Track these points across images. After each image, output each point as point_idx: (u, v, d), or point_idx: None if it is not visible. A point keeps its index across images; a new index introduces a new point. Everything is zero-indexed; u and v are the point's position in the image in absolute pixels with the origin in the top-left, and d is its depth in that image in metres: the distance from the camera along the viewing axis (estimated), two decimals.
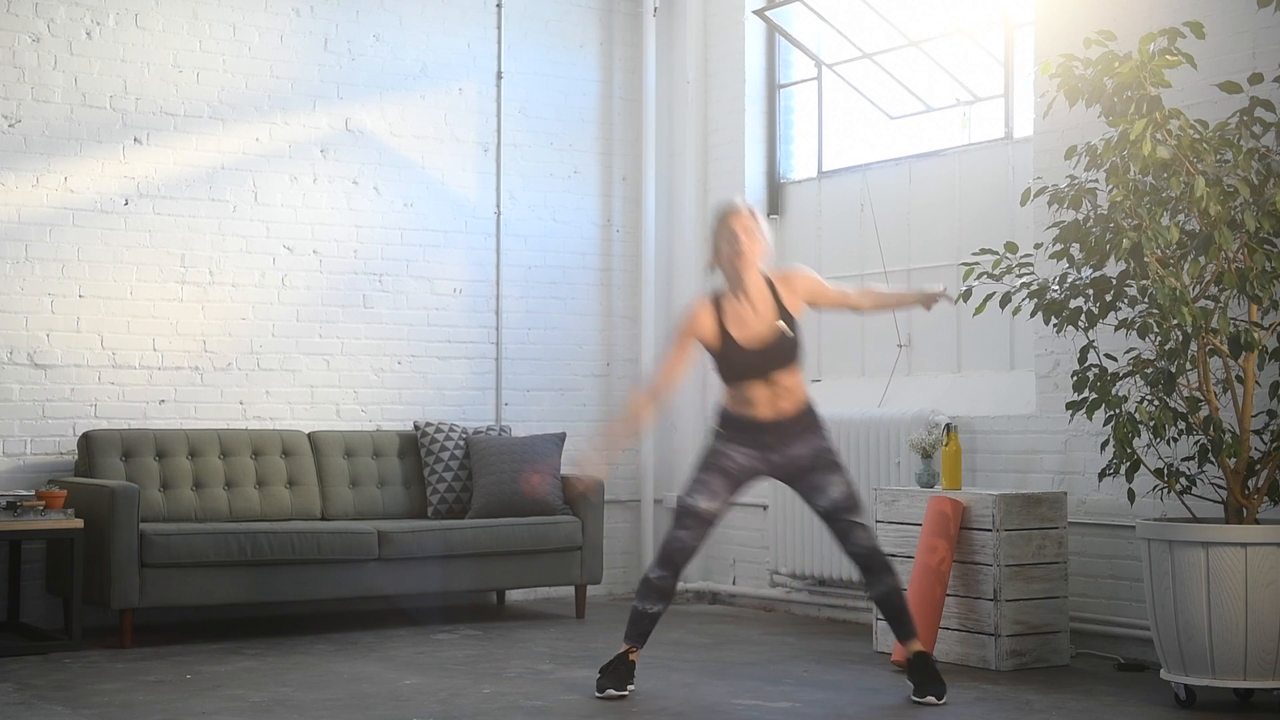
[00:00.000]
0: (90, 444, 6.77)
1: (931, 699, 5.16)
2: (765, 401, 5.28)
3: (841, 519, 5.28)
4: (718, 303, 5.32)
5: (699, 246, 8.26)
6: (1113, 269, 5.44)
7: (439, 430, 7.47)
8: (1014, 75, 7.00)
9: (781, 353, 5.25)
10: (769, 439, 5.29)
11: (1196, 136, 5.09)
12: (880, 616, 5.35)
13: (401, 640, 6.54)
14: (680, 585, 8.04)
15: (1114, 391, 5.30)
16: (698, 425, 8.18)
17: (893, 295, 5.75)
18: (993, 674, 5.75)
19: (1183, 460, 5.44)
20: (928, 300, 5.53)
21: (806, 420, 5.33)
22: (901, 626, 5.30)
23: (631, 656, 5.34)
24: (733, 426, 5.33)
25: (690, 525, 5.30)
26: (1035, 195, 5.48)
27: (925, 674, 5.22)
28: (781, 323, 5.25)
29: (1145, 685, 5.51)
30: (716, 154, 8.29)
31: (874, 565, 5.29)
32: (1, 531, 6.21)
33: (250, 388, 7.38)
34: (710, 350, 5.33)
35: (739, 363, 5.27)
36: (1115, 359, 5.46)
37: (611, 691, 5.25)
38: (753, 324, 5.27)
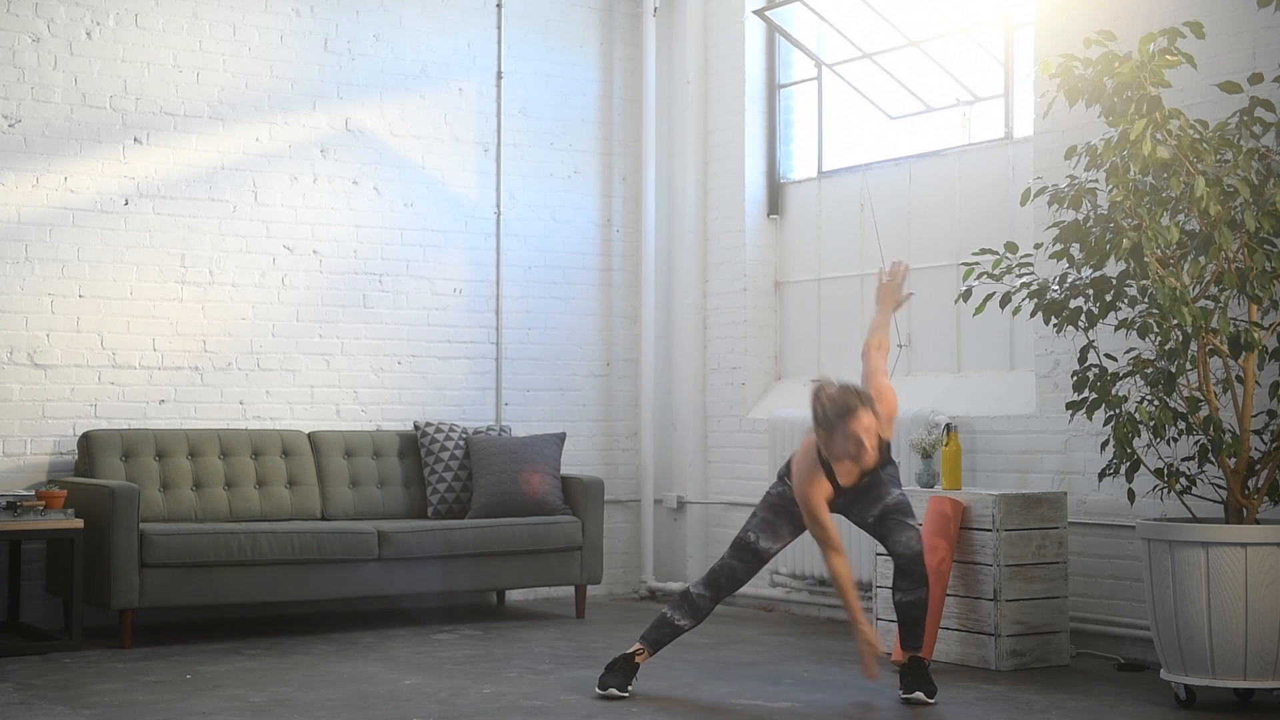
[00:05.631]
0: (90, 444, 6.77)
1: (920, 695, 5.21)
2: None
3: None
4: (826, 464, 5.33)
5: (699, 246, 8.27)
6: (1113, 269, 5.44)
7: (439, 430, 7.47)
8: (1014, 75, 7.00)
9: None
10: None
11: (1196, 136, 5.09)
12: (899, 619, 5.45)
13: (401, 640, 6.54)
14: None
15: (1114, 391, 5.30)
16: (697, 425, 8.19)
17: (878, 323, 5.61)
18: (993, 674, 5.75)
19: (1183, 460, 5.44)
20: (896, 300, 5.60)
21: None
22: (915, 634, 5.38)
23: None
24: None
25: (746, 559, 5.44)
26: (1035, 195, 5.48)
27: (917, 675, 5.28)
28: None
29: (1145, 685, 5.51)
30: (716, 154, 8.28)
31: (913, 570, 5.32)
32: (1, 531, 6.21)
33: (250, 388, 7.38)
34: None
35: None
36: (1115, 359, 5.46)
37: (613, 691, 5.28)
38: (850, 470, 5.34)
